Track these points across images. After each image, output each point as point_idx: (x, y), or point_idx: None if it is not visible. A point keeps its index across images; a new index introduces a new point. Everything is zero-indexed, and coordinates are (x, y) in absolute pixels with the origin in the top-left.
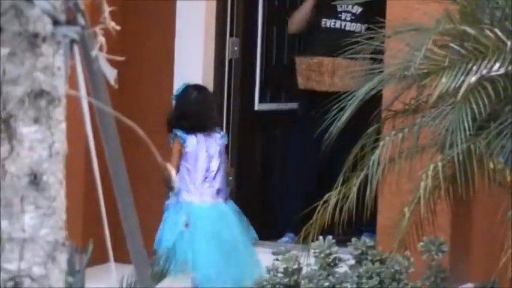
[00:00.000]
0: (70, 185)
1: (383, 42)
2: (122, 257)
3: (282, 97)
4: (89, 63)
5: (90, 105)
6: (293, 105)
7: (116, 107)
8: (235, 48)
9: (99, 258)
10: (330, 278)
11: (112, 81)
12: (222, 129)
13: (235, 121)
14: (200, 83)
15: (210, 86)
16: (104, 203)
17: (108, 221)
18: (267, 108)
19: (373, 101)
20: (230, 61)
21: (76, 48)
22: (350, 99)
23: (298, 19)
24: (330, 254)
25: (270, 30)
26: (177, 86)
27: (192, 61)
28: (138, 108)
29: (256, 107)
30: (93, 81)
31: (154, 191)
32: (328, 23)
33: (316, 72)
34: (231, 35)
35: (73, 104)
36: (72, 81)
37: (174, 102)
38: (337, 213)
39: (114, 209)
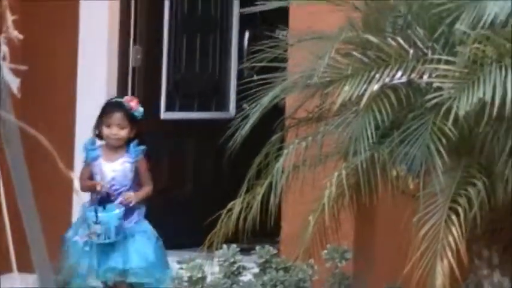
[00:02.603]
0: None
1: (286, 51)
2: (25, 266)
3: (193, 106)
4: None
5: None
6: (205, 115)
7: (19, 117)
8: (138, 56)
9: (2, 268)
10: (235, 286)
11: (15, 91)
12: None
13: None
14: (104, 90)
15: (113, 94)
16: (8, 212)
17: (12, 230)
18: (174, 117)
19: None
20: (134, 69)
21: None
22: (254, 108)
23: None
24: (235, 262)
25: (178, 37)
26: (80, 94)
27: (96, 69)
28: (41, 117)
29: (162, 116)
30: None
31: (58, 200)
32: None
33: None
34: (135, 43)
35: None
36: None
37: None
38: (242, 222)
39: (18, 218)
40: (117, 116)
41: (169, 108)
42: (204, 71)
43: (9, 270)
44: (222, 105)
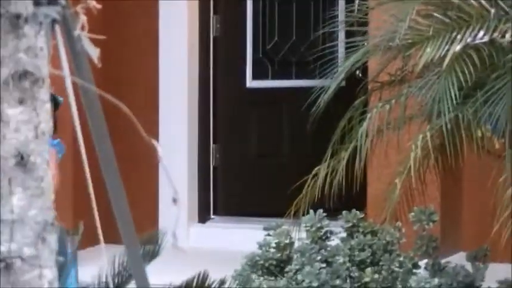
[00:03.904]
0: (59, 166)
1: (367, 14)
2: (113, 238)
3: (291, 74)
4: (71, 42)
5: (75, 85)
6: (306, 82)
7: (100, 87)
8: (218, 25)
9: (90, 240)
10: (322, 251)
11: (95, 60)
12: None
13: (222, 98)
14: (185, 61)
15: (196, 64)
16: (93, 184)
17: (98, 202)
18: (264, 85)
19: None
20: (215, 38)
21: (58, 28)
22: (336, 72)
23: None
24: (321, 227)
25: (269, 4)
26: (162, 65)
27: (177, 39)
28: (123, 88)
29: (248, 84)
30: (76, 61)
31: (142, 170)
32: None
33: None
34: (215, 13)
35: (57, 85)
36: (55, 62)
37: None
38: (327, 187)
39: (104, 189)
40: None
41: (258, 76)
42: (303, 38)
43: (97, 242)
44: (329, 73)
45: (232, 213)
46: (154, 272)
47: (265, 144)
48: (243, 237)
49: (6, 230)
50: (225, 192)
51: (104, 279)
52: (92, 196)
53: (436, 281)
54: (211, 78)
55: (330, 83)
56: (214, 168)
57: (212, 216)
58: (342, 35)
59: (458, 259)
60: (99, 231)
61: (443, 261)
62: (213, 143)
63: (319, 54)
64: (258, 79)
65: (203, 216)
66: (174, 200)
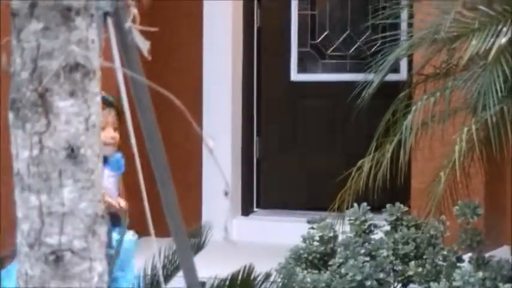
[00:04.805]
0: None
1: (412, 6)
2: (160, 231)
3: (345, 67)
4: (122, 35)
5: (125, 78)
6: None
7: (148, 78)
8: (263, 16)
9: (140, 232)
10: (366, 244)
11: (145, 53)
12: None
13: (266, 91)
14: (229, 51)
15: (239, 55)
16: (136, 177)
17: (140, 194)
18: (311, 79)
19: None
20: (259, 29)
21: (109, 21)
22: (381, 64)
23: None
24: (365, 220)
25: None
26: (206, 55)
27: (221, 30)
28: (166, 79)
29: (292, 78)
30: (126, 53)
31: (190, 163)
32: None
33: None
34: (259, 3)
35: (107, 77)
36: (106, 54)
37: None
38: (371, 180)
39: (149, 182)
40: (113, 115)
41: (305, 70)
42: (359, 30)
43: (146, 234)
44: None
45: (275, 206)
46: (198, 264)
47: (309, 138)
48: (286, 230)
49: (56, 222)
50: (268, 185)
51: (148, 272)
52: (142, 187)
53: (480, 274)
54: (255, 70)
55: (377, 77)
56: (257, 160)
57: (255, 209)
58: (404, 26)
59: (502, 253)
60: (150, 223)
61: (487, 255)
62: (257, 135)
63: (378, 45)
64: (304, 72)
65: (246, 209)
66: (226, 193)
